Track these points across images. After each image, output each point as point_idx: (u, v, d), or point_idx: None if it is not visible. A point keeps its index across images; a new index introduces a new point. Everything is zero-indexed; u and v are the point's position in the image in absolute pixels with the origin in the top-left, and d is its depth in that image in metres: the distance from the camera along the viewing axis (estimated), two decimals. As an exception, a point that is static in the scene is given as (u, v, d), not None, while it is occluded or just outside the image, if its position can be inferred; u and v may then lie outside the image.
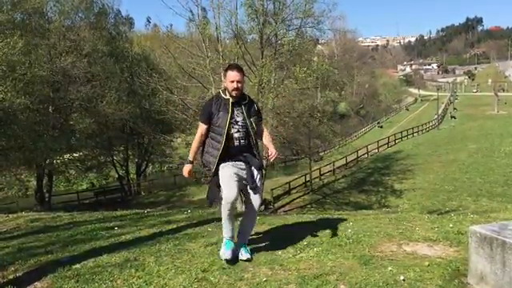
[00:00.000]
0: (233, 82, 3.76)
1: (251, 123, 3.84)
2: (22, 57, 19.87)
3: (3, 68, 18.57)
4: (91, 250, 4.35)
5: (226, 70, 3.91)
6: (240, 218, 4.31)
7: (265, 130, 4.13)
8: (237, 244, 3.95)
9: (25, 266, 3.84)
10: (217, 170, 3.83)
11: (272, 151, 3.97)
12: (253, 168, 3.89)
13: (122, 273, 3.55)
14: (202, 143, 3.93)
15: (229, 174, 3.77)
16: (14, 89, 18.68)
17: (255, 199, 3.89)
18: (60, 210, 12.29)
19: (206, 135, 3.89)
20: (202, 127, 3.89)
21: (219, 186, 3.81)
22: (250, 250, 3.99)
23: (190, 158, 3.91)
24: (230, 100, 3.79)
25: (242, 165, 3.84)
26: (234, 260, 3.79)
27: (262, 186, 4.09)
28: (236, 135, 3.80)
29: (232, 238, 3.95)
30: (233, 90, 3.77)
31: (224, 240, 3.94)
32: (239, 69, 3.87)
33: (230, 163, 3.81)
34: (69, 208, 20.89)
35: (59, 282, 3.40)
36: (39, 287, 3.32)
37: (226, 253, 3.80)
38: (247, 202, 3.96)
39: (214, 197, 4.02)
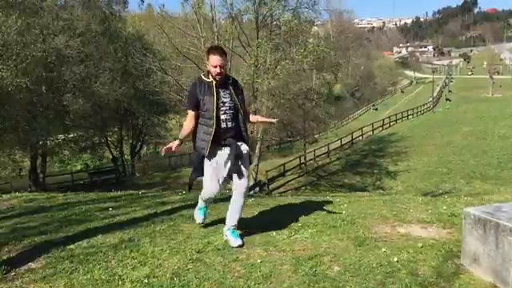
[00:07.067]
0: (215, 66, 3.62)
1: (239, 102, 3.76)
2: (17, 36, 19.57)
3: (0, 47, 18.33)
4: (86, 230, 4.35)
5: (207, 53, 3.74)
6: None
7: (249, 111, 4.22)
8: (225, 228, 3.87)
9: (19, 247, 3.83)
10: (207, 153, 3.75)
11: (266, 119, 4.26)
12: (239, 152, 3.78)
13: (116, 253, 3.56)
14: (193, 129, 3.78)
15: (213, 167, 3.74)
16: (16, 68, 18.43)
17: (241, 184, 3.77)
18: (54, 191, 12.25)
19: (196, 121, 3.76)
20: (190, 114, 3.77)
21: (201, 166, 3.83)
22: (245, 231, 3.99)
23: (180, 137, 3.75)
24: (214, 82, 3.69)
25: (227, 150, 3.73)
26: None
27: (248, 172, 3.88)
28: (223, 117, 3.68)
29: (206, 207, 4.29)
30: (216, 75, 3.65)
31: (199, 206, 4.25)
32: (221, 52, 3.71)
33: (217, 151, 3.73)
34: (63, 189, 20.83)
35: (53, 262, 3.40)
36: (33, 268, 3.32)
37: (198, 218, 4.28)
38: (234, 186, 3.84)
39: (197, 176, 3.97)
